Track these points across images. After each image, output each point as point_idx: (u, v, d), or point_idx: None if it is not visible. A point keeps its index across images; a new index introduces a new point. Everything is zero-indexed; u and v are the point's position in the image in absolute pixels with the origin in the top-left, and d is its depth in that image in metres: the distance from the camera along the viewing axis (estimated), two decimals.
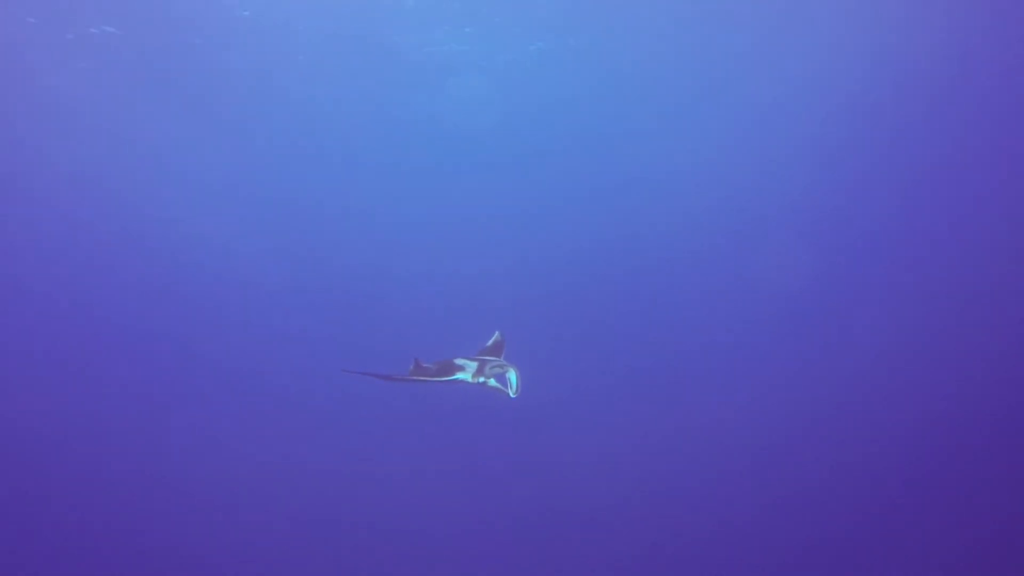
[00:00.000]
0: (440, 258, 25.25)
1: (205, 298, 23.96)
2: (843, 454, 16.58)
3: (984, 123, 21.57)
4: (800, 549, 14.83)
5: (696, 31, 20.94)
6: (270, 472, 16.52)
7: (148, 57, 20.55)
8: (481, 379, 9.20)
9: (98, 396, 19.08)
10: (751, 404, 18.16)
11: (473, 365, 9.40)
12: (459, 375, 9.29)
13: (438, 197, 27.93)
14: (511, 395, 9.22)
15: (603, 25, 20.46)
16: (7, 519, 15.22)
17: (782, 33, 20.76)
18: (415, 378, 9.36)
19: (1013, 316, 18.52)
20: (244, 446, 17.21)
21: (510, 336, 10.75)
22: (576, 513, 15.53)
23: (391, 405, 16.89)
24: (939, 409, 17.13)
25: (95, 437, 17.61)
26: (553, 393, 16.59)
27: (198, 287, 24.34)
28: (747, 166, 24.92)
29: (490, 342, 10.81)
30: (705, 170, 25.50)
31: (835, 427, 17.31)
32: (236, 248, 25.69)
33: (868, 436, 16.86)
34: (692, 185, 25.75)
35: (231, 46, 20.56)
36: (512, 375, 9.34)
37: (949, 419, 16.87)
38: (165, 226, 25.07)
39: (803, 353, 19.75)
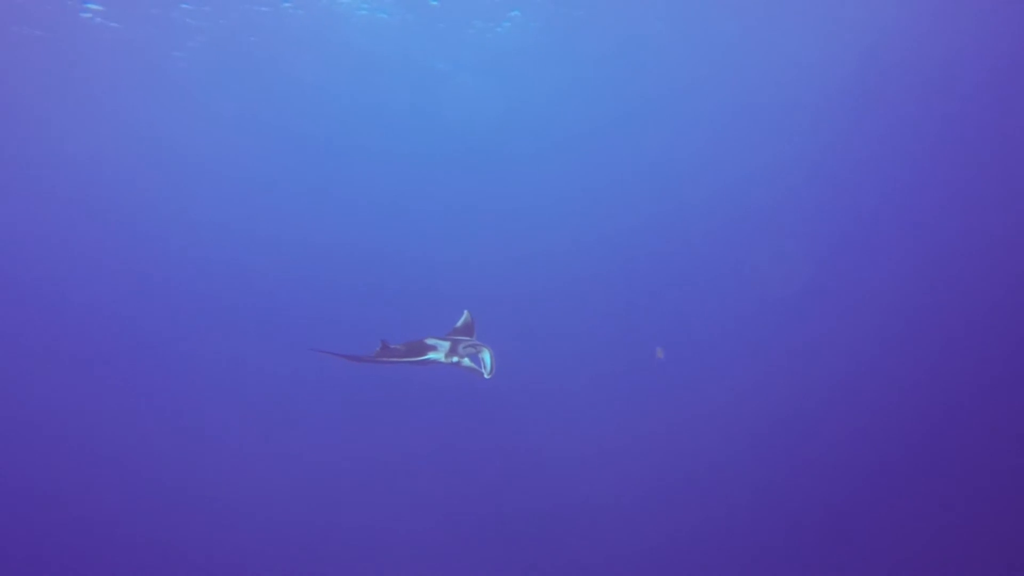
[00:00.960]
0: (424, 245, 24.95)
1: (184, 288, 23.49)
2: (838, 452, 16.64)
3: (982, 118, 21.52)
4: (790, 546, 14.88)
5: (690, 20, 20.61)
6: (253, 465, 16.12)
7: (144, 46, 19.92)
8: (455, 359, 8.89)
9: (82, 389, 18.43)
10: (744, 400, 18.15)
11: (445, 345, 9.08)
12: (431, 355, 8.96)
13: (421, 184, 27.41)
14: (485, 375, 8.94)
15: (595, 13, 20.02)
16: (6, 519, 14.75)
17: (779, 24, 20.52)
18: (386, 359, 8.97)
19: (1008, 313, 18.79)
20: (224, 436, 16.84)
21: (493, 324, 10.45)
22: (564, 509, 15.41)
23: (366, 395, 16.53)
24: (934, 407, 17.34)
25: (81, 429, 17.08)
26: (545, 388, 16.45)
27: (178, 277, 23.79)
28: (743, 161, 24.60)
29: (460, 322, 10.51)
30: (700, 163, 25.14)
31: (830, 425, 17.34)
32: (221, 238, 25.22)
33: (863, 434, 17.00)
34: (685, 177, 25.46)
35: (228, 40, 19.89)
36: (486, 355, 9.06)
37: (945, 418, 17.12)
38: (145, 217, 24.45)
39: (796, 350, 19.80)
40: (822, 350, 19.33)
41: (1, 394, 17.55)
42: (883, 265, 21.54)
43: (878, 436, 17.12)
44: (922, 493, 15.92)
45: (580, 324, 21.27)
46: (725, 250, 23.24)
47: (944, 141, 22.33)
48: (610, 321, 21.61)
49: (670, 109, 25.11)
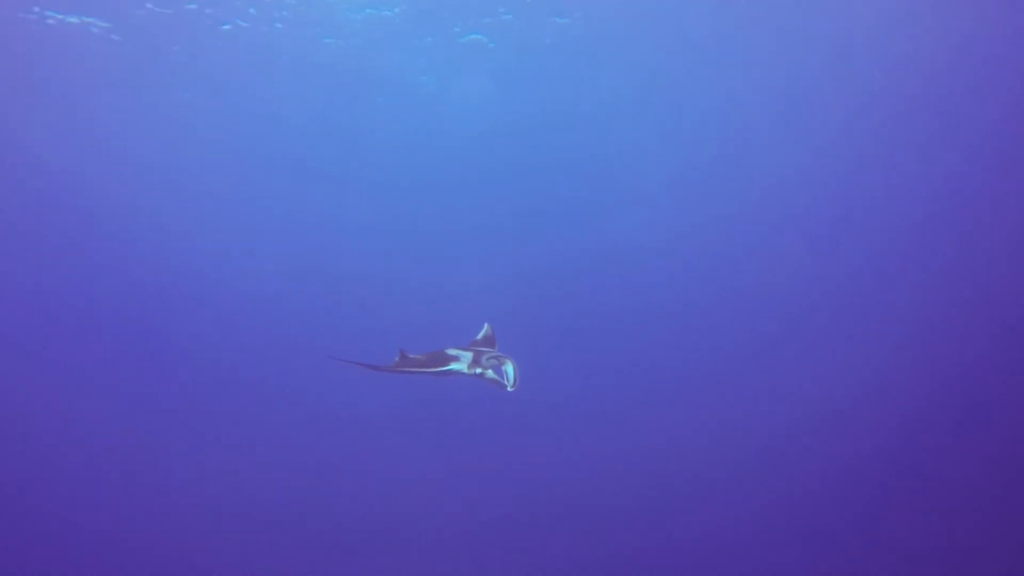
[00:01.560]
0: (436, 258, 24.83)
1: (201, 298, 23.42)
2: (843, 456, 16.50)
3: (986, 124, 21.39)
4: (799, 552, 14.60)
5: (699, 30, 20.40)
6: (267, 472, 15.97)
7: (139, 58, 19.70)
8: (478, 370, 8.56)
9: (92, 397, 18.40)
10: (750, 407, 18.03)
11: (468, 355, 8.75)
12: (454, 366, 8.63)
13: (430, 198, 27.25)
14: (508, 388, 8.59)
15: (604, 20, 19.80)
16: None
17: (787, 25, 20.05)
18: (407, 369, 8.62)
19: (1013, 319, 18.70)
20: (235, 443, 16.68)
21: (507, 336, 10.09)
22: (572, 515, 15.18)
23: (384, 405, 16.31)
24: (941, 411, 17.21)
25: (85, 438, 16.97)
26: (552, 395, 16.21)
27: (196, 288, 23.74)
28: (749, 166, 24.43)
29: (480, 335, 10.18)
30: (706, 171, 24.93)
31: (835, 430, 17.23)
32: (233, 248, 25.14)
33: (868, 438, 16.85)
34: (692, 186, 25.21)
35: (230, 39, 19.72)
36: (509, 367, 8.72)
37: (951, 420, 16.98)
38: (165, 227, 24.43)
39: (802, 356, 19.70)
40: (835, 357, 19.26)
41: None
42: (896, 276, 21.43)
43: (894, 442, 16.99)
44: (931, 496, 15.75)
45: (593, 333, 21.14)
46: (743, 257, 23.10)
47: (955, 148, 21.98)
48: (623, 328, 21.52)
49: (684, 118, 24.67)
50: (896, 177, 22.81)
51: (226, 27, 18.91)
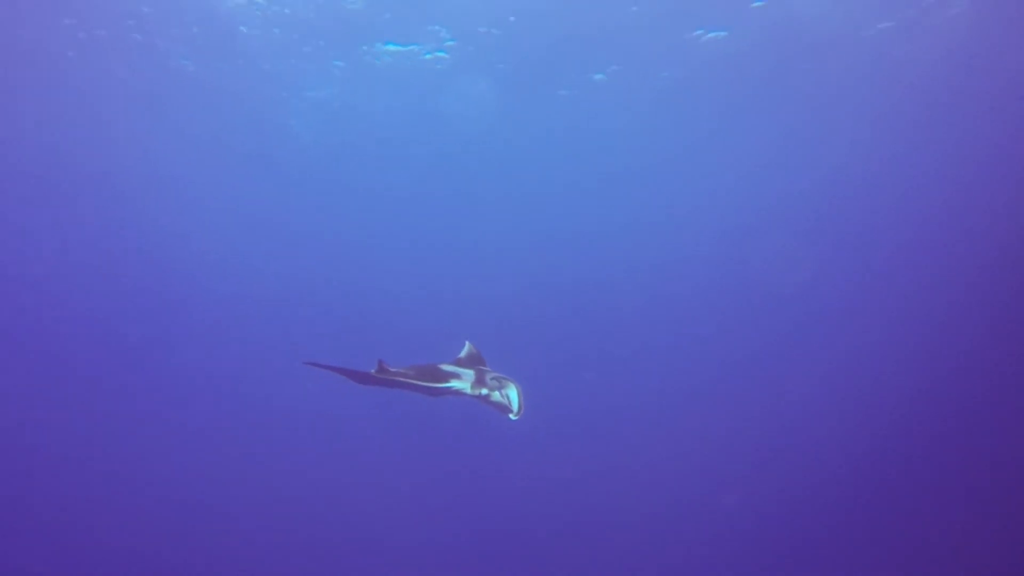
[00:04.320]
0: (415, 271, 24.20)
1: (190, 305, 23.15)
2: (849, 459, 16.62)
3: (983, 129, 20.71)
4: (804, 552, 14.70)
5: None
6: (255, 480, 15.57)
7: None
8: (484, 391, 7.28)
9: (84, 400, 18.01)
10: (752, 412, 17.79)
11: (469, 373, 7.47)
12: (454, 383, 7.32)
13: (412, 209, 25.79)
14: (512, 416, 7.33)
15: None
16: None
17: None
18: (399, 379, 7.20)
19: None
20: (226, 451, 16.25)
21: (494, 354, 8.81)
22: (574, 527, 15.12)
23: (368, 412, 14.88)
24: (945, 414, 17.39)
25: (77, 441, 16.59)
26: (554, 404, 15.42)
27: (187, 295, 23.37)
28: (753, 169, 23.64)
29: (463, 354, 8.85)
30: (709, 171, 23.84)
31: (839, 433, 17.28)
32: (222, 254, 24.63)
33: (873, 439, 16.81)
34: (695, 185, 24.41)
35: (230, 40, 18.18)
36: (512, 391, 7.46)
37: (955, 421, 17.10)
38: (152, 233, 23.68)
39: (805, 360, 19.64)
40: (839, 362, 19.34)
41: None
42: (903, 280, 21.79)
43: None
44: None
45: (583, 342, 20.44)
46: (744, 258, 22.93)
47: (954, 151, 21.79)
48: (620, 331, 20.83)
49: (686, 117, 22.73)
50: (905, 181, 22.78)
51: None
